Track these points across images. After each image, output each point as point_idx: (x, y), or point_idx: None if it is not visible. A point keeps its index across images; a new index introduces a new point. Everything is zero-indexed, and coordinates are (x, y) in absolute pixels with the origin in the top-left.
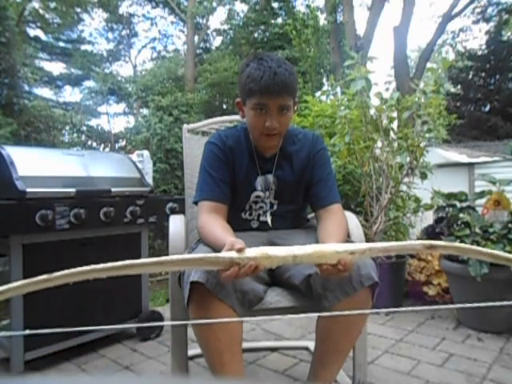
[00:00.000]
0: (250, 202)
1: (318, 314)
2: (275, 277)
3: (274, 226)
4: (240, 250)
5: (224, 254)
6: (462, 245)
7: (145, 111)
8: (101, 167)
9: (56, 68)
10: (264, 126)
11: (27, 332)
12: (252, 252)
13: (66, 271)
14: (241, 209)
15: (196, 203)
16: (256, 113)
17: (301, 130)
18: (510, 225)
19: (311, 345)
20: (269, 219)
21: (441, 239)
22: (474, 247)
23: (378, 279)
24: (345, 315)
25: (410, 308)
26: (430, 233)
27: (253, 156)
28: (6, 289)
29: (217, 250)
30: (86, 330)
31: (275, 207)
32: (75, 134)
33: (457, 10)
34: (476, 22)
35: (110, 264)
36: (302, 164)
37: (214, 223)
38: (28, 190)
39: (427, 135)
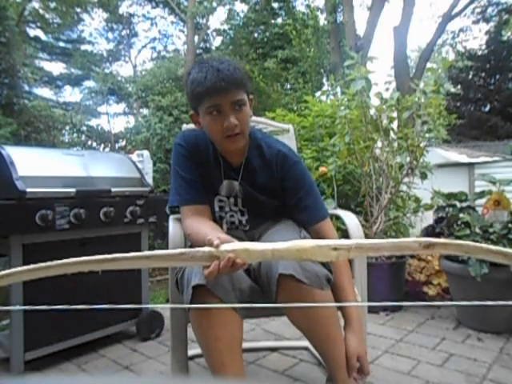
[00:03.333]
0: (214, 205)
1: (305, 305)
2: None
3: (251, 227)
4: (217, 246)
5: (204, 248)
6: (465, 242)
7: (145, 111)
8: (101, 167)
9: (56, 68)
10: (224, 128)
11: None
12: (231, 246)
13: (62, 261)
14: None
15: (173, 208)
16: (212, 117)
17: (266, 139)
18: (509, 225)
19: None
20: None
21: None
22: (478, 244)
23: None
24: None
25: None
26: (429, 233)
27: (218, 160)
28: (10, 272)
29: None
30: (85, 332)
31: (246, 215)
32: (75, 134)
33: (457, 9)
34: (476, 22)
35: (101, 256)
36: (265, 183)
37: (199, 225)
38: (28, 190)
39: (427, 135)
